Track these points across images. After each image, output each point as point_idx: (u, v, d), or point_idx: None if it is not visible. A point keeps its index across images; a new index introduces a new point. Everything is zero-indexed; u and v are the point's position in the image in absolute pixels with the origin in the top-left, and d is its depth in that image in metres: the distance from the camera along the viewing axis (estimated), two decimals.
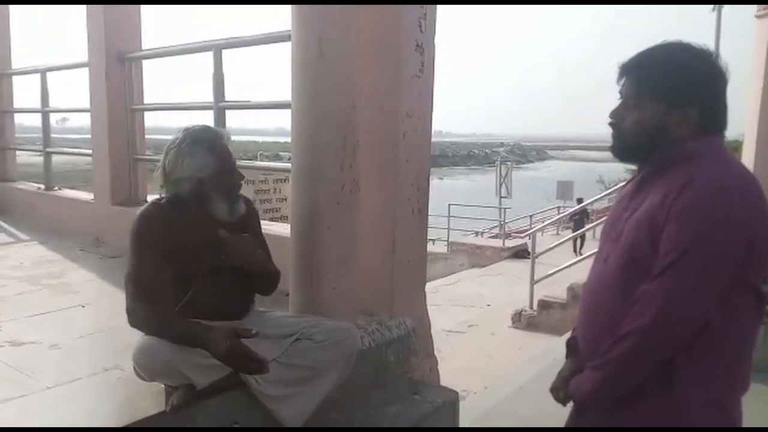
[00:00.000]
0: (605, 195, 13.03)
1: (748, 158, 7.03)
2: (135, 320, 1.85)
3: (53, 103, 5.15)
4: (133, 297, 1.86)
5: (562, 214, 14.26)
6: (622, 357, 1.27)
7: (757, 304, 1.28)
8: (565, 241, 9.37)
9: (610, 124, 1.38)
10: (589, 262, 1.62)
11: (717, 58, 1.30)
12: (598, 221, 9.13)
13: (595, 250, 1.57)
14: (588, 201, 11.17)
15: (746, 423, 1.34)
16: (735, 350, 1.28)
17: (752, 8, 6.68)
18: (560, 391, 1.49)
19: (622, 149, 1.39)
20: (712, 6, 13.09)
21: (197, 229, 1.93)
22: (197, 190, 1.94)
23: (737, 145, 9.41)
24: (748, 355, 1.31)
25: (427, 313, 2.74)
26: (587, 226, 10.06)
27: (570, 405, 1.48)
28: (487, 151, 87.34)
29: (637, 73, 1.33)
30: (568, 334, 1.60)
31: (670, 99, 1.29)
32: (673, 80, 1.28)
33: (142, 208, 1.99)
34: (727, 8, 13.11)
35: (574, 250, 11.04)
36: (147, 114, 4.49)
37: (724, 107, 1.32)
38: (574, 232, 11.84)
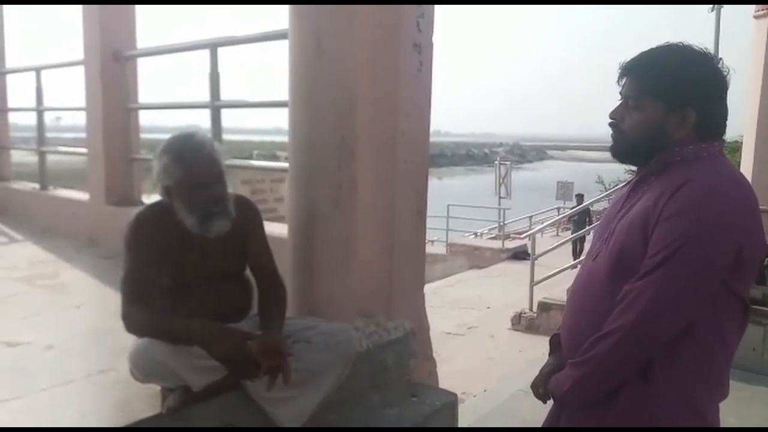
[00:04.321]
0: (604, 196, 13.01)
1: (747, 159, 7.03)
2: (131, 326, 1.82)
3: (47, 101, 5.12)
4: (128, 301, 1.83)
5: (561, 215, 14.22)
6: (603, 355, 1.27)
7: (741, 312, 1.28)
8: (565, 242, 9.31)
9: (610, 124, 1.37)
10: None
11: (718, 62, 1.29)
12: (597, 223, 9.04)
13: None
14: (588, 201, 11.05)
15: (751, 424, 1.32)
16: (714, 355, 1.27)
17: (751, 9, 6.68)
18: (540, 387, 1.48)
19: (621, 149, 1.38)
20: (710, 6, 13.08)
21: (185, 235, 1.88)
22: (167, 197, 1.89)
23: (736, 146, 9.40)
24: (728, 362, 1.31)
25: (426, 315, 2.72)
26: (587, 228, 9.90)
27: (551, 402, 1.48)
28: (486, 150, 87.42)
29: (638, 73, 1.32)
30: None
31: (670, 100, 1.28)
32: (673, 81, 1.27)
33: (137, 210, 1.96)
34: (726, 9, 13.10)
35: (574, 254, 10.26)
36: (142, 113, 4.46)
37: (724, 112, 1.31)
38: (573, 233, 11.36)
